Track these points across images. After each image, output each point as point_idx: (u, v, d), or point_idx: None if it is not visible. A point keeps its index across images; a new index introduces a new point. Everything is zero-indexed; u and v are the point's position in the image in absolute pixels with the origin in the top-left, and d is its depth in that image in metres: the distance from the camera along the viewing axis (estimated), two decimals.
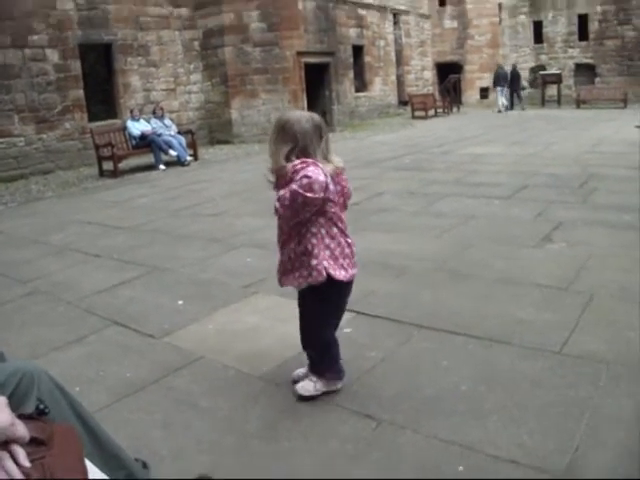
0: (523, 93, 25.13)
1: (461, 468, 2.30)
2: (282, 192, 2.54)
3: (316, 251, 2.62)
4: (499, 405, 2.72)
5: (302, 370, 2.99)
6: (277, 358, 3.30)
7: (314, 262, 2.61)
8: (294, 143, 2.53)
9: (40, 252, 6.04)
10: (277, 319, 3.77)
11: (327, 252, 2.63)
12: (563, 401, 2.72)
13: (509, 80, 23.91)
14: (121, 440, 2.10)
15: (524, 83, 25.49)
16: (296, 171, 2.49)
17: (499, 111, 23.26)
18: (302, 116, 2.62)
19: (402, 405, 2.75)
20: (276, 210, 2.60)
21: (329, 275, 2.61)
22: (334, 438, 2.54)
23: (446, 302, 3.96)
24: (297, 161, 2.51)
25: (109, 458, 1.89)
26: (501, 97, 23.74)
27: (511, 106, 24.18)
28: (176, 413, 2.83)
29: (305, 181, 2.46)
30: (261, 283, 4.50)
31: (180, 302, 4.28)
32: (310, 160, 2.52)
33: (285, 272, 2.72)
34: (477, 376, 2.97)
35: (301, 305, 2.89)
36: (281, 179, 2.59)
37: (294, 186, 2.47)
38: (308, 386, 2.84)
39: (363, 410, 2.73)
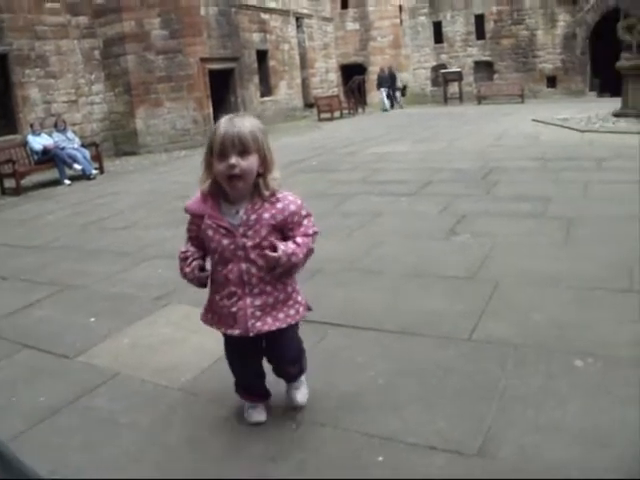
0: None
1: (381, 458, 2.37)
2: (291, 247, 2.31)
3: (298, 286, 2.53)
4: (415, 395, 2.82)
5: (258, 409, 2.73)
6: (194, 369, 3.28)
7: (299, 298, 2.50)
8: (260, 156, 2.29)
9: None
10: (191, 330, 3.73)
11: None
12: (474, 385, 2.85)
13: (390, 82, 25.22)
14: (40, 465, 2.05)
15: (399, 84, 26.64)
16: (277, 199, 2.33)
17: (384, 110, 24.29)
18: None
19: (321, 403, 2.80)
20: (273, 260, 2.33)
21: (308, 307, 2.56)
22: (258, 442, 2.57)
23: (358, 299, 4.05)
24: (272, 183, 2.32)
25: None
26: (386, 98, 24.91)
27: (391, 105, 25.32)
28: (96, 432, 2.77)
29: (312, 221, 2.43)
30: (173, 294, 4.45)
31: (92, 319, 4.17)
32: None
33: (265, 315, 2.39)
34: (392, 369, 3.06)
35: (269, 345, 2.59)
36: (244, 198, 2.33)
37: (309, 238, 2.36)
38: (305, 390, 2.78)
39: (283, 412, 2.77)
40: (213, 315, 2.49)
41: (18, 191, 10.88)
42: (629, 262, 4.22)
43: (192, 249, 2.44)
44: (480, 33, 27.84)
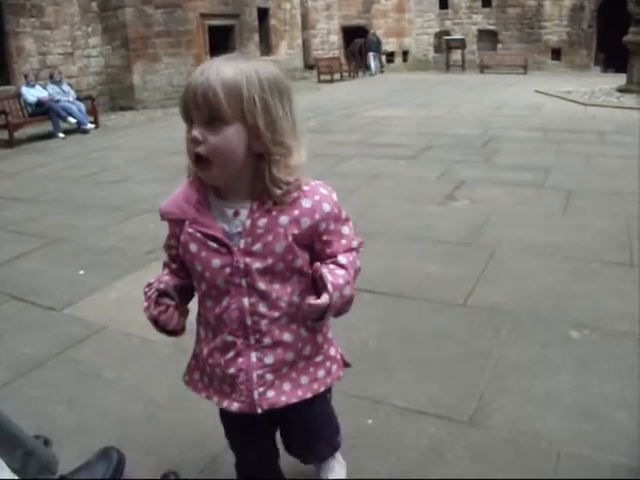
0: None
1: (370, 421, 2.33)
2: (341, 276, 1.42)
3: (330, 335, 1.65)
4: (407, 359, 2.77)
5: None
6: None
7: (332, 350, 1.63)
8: (252, 128, 1.34)
9: None
10: None
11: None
12: (468, 352, 2.81)
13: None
14: (23, 418, 1.99)
15: (383, 49, 26.59)
16: (302, 193, 1.42)
17: (371, 74, 24.34)
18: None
19: None
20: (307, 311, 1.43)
21: (344, 362, 1.70)
22: None
23: None
24: (293, 176, 1.39)
25: (2, 438, 1.77)
26: (373, 61, 24.85)
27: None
28: (80, 386, 2.72)
29: (351, 228, 1.53)
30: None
31: (81, 272, 4.10)
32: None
33: (280, 379, 1.51)
34: (385, 332, 3.02)
35: (287, 421, 1.72)
36: (263, 194, 1.39)
37: (353, 254, 1.50)
38: (341, 470, 1.96)
39: None
40: (202, 376, 1.63)
41: (11, 143, 10.69)
42: (628, 236, 4.18)
43: (165, 278, 1.57)
44: (486, 1, 27.33)
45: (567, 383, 2.54)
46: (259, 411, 1.50)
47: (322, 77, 22.16)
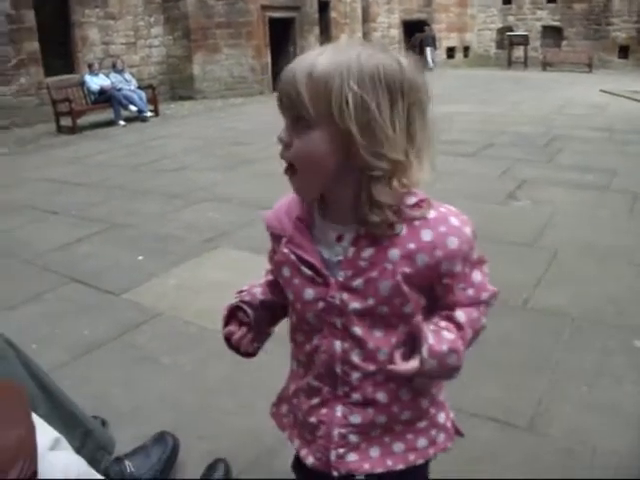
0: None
1: None
2: (447, 340, 1.11)
3: (442, 397, 1.28)
4: (465, 362, 2.70)
5: None
6: None
7: (442, 416, 1.26)
8: (345, 133, 1.01)
9: None
10: (239, 274, 3.68)
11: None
12: (527, 356, 2.73)
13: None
14: (80, 399, 2.03)
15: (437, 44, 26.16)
16: (423, 221, 1.09)
17: (430, 69, 23.78)
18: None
19: None
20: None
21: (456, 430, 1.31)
22: None
23: None
24: (414, 198, 1.10)
25: (64, 416, 1.81)
26: (430, 55, 24.40)
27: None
28: (136, 370, 2.76)
29: (486, 271, 1.18)
30: (222, 237, 4.43)
31: (140, 258, 4.17)
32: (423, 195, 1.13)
33: (366, 442, 1.19)
34: None
35: None
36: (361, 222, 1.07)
37: (479, 308, 1.16)
38: None
39: None
40: (288, 412, 1.34)
41: (74, 130, 11.00)
42: None
43: (256, 289, 1.34)
44: None
45: (629, 394, 2.44)
46: (334, 474, 1.20)
47: None
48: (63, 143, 10.06)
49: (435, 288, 1.12)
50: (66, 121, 11.31)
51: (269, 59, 16.22)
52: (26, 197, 6.17)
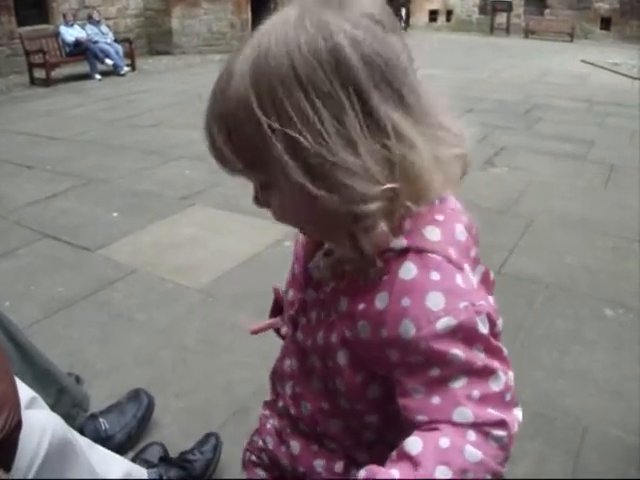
0: None
1: None
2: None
3: None
4: None
5: None
6: (215, 270, 3.23)
7: None
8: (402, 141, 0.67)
9: None
10: (215, 231, 3.68)
11: None
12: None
13: None
14: (54, 356, 2.02)
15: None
16: (386, 278, 0.72)
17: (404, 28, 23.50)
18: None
19: None
20: None
21: None
22: (274, 353, 2.51)
23: None
24: (404, 241, 0.72)
25: (38, 373, 1.80)
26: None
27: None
28: (111, 327, 2.75)
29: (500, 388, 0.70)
30: (198, 195, 4.39)
31: (115, 214, 4.12)
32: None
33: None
34: None
35: None
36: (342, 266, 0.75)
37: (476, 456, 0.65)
38: None
39: None
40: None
41: (47, 82, 10.70)
42: None
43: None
44: None
45: (600, 361, 2.50)
46: None
47: None
48: (37, 96, 9.80)
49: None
50: (40, 73, 10.99)
51: (249, 15, 15.85)
52: None
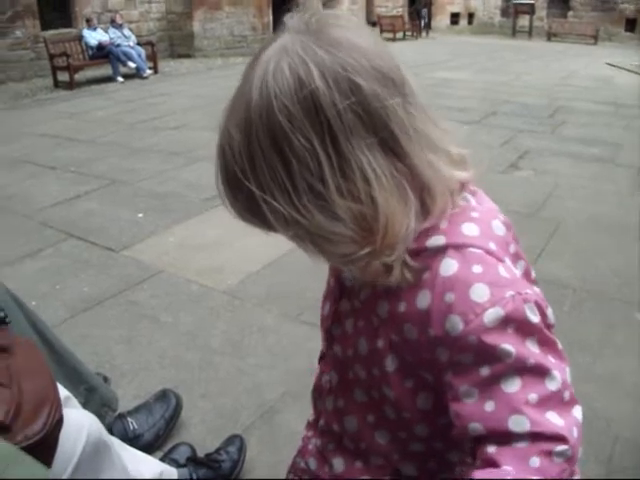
0: None
1: None
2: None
3: None
4: None
5: None
6: (240, 272, 3.23)
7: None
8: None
9: None
10: (239, 233, 3.64)
11: None
12: None
13: None
14: (81, 355, 2.01)
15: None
16: (426, 275, 0.70)
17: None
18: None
19: None
20: None
21: None
22: (300, 355, 2.50)
23: None
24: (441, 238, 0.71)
25: (68, 372, 1.80)
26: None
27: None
28: (137, 328, 2.75)
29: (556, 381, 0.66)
30: None
31: (140, 215, 4.13)
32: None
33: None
34: None
35: None
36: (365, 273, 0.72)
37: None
38: None
39: None
40: None
41: (71, 85, 10.81)
42: None
43: None
44: None
45: (630, 366, 2.45)
46: None
47: (384, 35, 21.67)
48: (60, 98, 9.90)
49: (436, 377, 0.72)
50: (63, 76, 11.11)
51: (270, 18, 15.91)
52: (24, 152, 6.08)
